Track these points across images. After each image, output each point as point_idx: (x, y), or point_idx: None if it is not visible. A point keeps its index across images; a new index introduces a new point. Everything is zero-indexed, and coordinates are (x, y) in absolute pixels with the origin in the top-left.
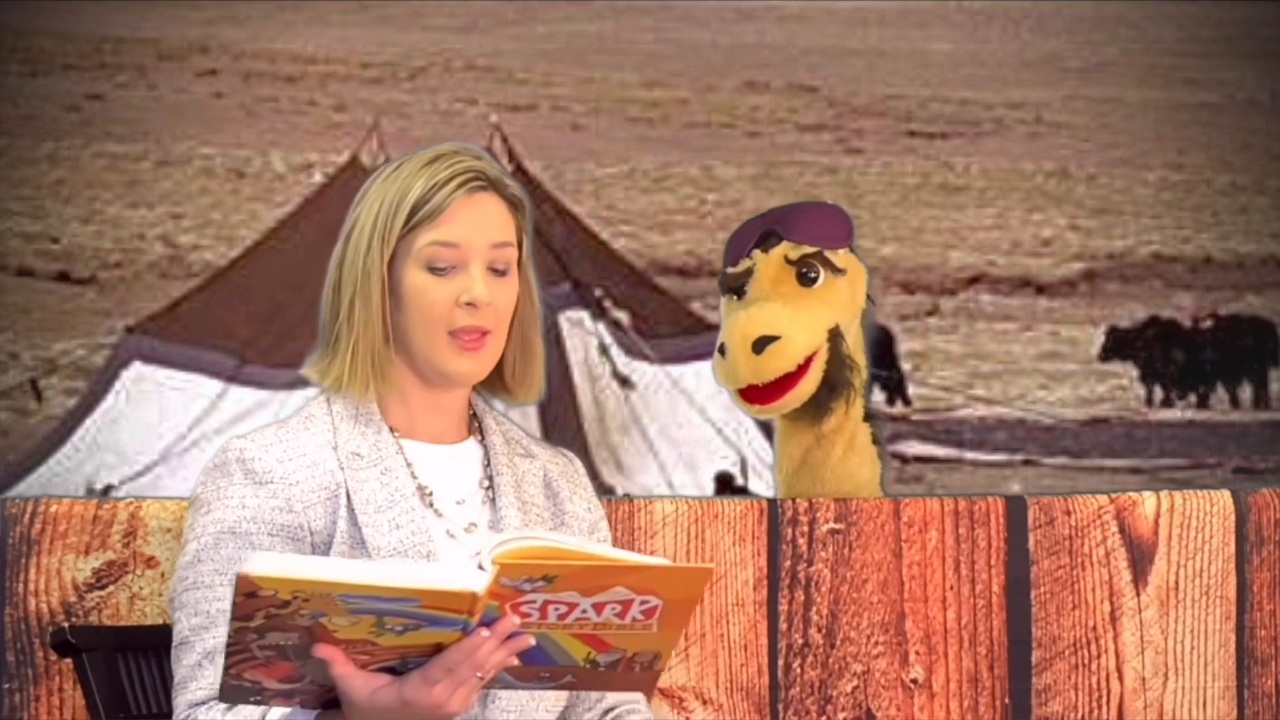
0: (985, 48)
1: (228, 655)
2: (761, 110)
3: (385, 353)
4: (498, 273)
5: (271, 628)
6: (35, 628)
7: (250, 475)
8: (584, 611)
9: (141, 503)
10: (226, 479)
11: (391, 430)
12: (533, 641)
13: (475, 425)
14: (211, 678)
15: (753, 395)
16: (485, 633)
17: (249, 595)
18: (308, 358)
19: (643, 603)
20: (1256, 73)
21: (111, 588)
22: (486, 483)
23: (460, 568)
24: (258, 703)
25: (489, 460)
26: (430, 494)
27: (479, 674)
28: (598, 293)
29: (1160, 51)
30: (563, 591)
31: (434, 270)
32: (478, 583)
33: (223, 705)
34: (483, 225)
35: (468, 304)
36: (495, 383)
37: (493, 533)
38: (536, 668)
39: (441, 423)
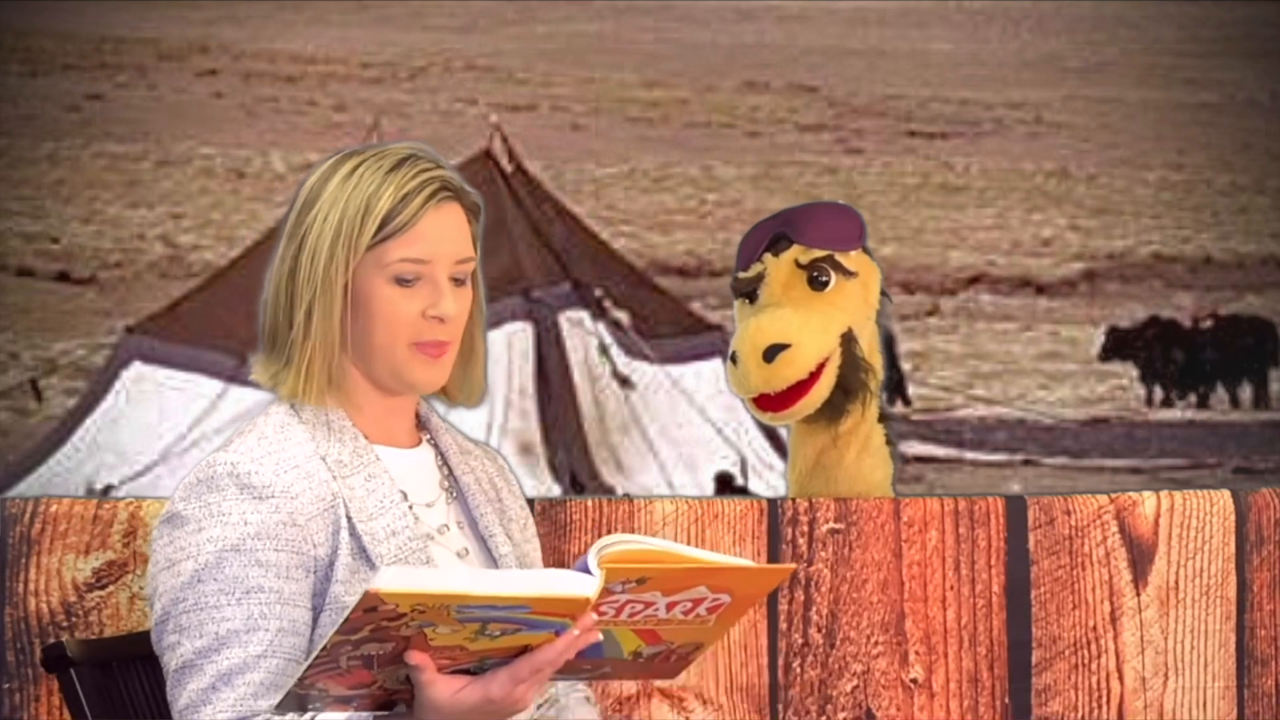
0: (985, 48)
1: (311, 665)
2: (761, 110)
3: (342, 363)
4: (457, 283)
5: (371, 639)
6: (35, 628)
7: (248, 490)
8: (655, 610)
9: (141, 503)
10: (219, 494)
11: (364, 436)
12: (600, 637)
13: (420, 426)
14: (230, 701)
15: (765, 404)
16: (577, 632)
17: (369, 610)
18: (252, 359)
19: (714, 600)
20: (1256, 73)
21: (111, 588)
22: (446, 483)
23: (571, 573)
24: (305, 709)
25: (444, 461)
26: (405, 497)
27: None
28: (598, 293)
29: (1160, 51)
30: (647, 592)
31: (401, 283)
32: (589, 588)
33: None
34: (449, 239)
35: (435, 318)
36: None
37: (461, 531)
38: (582, 660)
39: (398, 428)
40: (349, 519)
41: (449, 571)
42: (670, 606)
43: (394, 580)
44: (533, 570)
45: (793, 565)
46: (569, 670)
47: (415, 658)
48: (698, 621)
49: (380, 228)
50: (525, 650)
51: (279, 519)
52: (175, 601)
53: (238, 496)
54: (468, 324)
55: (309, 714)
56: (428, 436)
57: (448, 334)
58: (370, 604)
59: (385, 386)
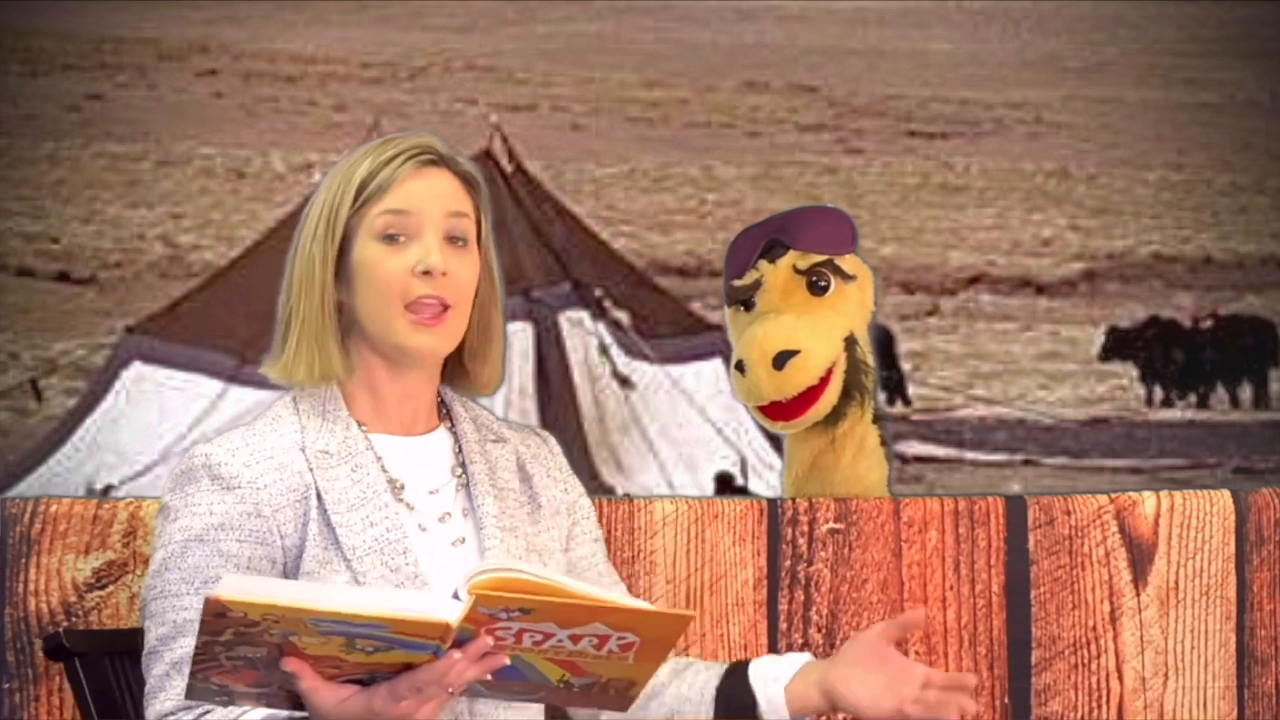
0: (985, 48)
1: (194, 662)
2: (761, 110)
3: (328, 337)
4: (456, 243)
5: (240, 643)
6: (35, 628)
7: (217, 480)
8: (560, 641)
9: (141, 503)
10: (193, 485)
11: (360, 425)
12: (507, 661)
13: (444, 413)
14: (179, 687)
15: (776, 412)
16: (457, 655)
17: (218, 615)
18: (264, 358)
19: (620, 638)
20: (1256, 73)
21: (111, 588)
22: (459, 470)
23: (434, 596)
24: (225, 703)
25: (460, 448)
26: (401, 487)
27: (449, 690)
28: (598, 293)
29: (1160, 51)
30: (540, 623)
31: (387, 240)
32: (451, 613)
33: (190, 713)
34: (435, 195)
35: (423, 273)
36: (455, 366)
37: (467, 521)
38: (511, 683)
39: (410, 411)
40: (323, 510)
41: (294, 584)
42: (575, 639)
43: (233, 588)
44: (395, 591)
45: (693, 613)
46: (497, 690)
47: (290, 664)
48: (614, 658)
49: (359, 193)
50: (409, 668)
51: (244, 509)
52: (148, 589)
53: (209, 487)
54: (482, 301)
55: (230, 712)
56: (448, 424)
57: (441, 291)
58: (214, 610)
59: (392, 360)
